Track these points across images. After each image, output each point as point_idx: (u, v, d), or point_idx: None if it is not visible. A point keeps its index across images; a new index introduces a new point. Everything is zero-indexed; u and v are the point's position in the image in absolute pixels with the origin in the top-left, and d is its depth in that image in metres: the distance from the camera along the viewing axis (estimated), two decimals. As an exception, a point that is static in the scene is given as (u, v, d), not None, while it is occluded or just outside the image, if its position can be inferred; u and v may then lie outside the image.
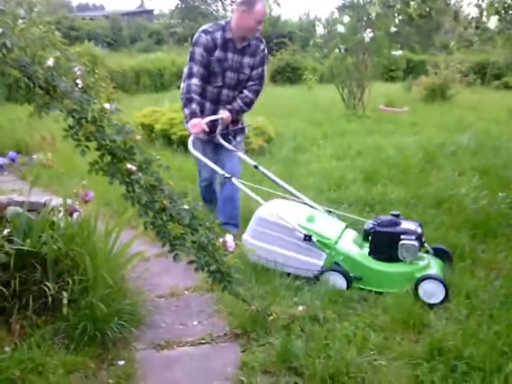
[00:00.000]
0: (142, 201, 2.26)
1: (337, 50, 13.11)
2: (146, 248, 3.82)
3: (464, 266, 3.81)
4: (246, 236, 3.84)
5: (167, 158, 6.61)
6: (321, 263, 3.62)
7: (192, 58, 4.20)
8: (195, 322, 3.25)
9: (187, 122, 4.22)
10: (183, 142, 7.58)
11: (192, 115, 4.14)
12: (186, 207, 2.38)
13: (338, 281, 3.53)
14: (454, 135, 8.67)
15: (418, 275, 3.48)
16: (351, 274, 3.54)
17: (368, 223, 3.79)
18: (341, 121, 10.93)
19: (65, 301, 2.85)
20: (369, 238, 3.69)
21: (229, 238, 2.60)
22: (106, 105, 2.16)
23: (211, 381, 2.68)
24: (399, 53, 19.78)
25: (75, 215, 3.24)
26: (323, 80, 20.72)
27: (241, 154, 4.49)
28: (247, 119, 8.11)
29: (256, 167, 4.27)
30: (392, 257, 3.60)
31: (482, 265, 3.89)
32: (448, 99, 14.04)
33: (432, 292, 3.40)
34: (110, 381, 2.63)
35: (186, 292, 3.64)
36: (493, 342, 2.81)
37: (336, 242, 3.69)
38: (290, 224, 3.69)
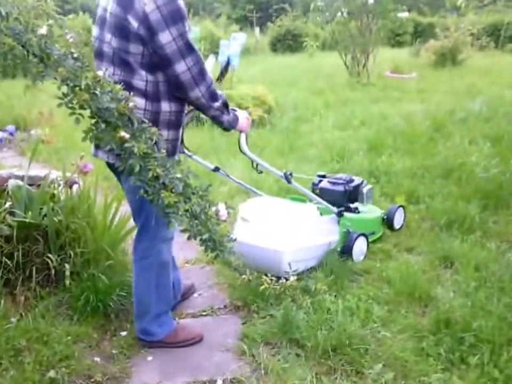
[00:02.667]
0: (136, 169, 2.33)
1: (339, 14, 13.05)
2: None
3: (474, 238, 3.88)
4: (286, 246, 3.33)
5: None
6: (337, 237, 3.72)
7: (190, 45, 2.50)
8: (195, 295, 3.38)
9: (234, 124, 2.86)
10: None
11: (232, 111, 2.87)
12: (179, 175, 2.45)
13: (363, 245, 3.76)
14: (465, 102, 8.68)
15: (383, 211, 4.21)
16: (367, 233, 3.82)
17: (334, 186, 3.99)
18: (344, 89, 10.93)
19: (67, 273, 3.03)
20: (345, 196, 3.94)
21: (221, 207, 2.68)
22: (100, 73, 2.21)
23: (212, 352, 2.80)
24: (405, 14, 19.67)
25: (74, 187, 3.39)
26: (325, 47, 20.69)
27: (198, 158, 3.34)
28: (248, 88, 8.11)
29: (216, 169, 3.43)
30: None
31: (493, 237, 3.96)
32: (459, 64, 13.99)
33: (399, 219, 4.23)
34: (113, 350, 2.79)
35: (186, 265, 3.76)
36: (502, 314, 2.87)
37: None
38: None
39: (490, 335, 2.70)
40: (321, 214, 3.64)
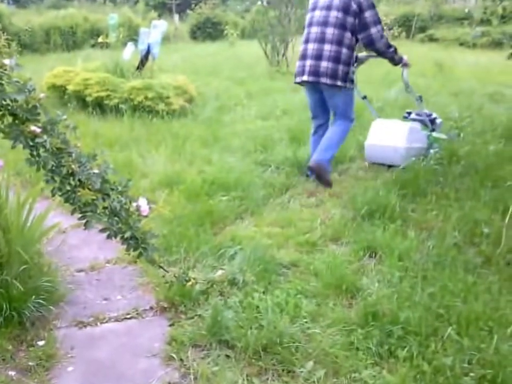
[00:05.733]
0: (48, 166, 2.13)
1: (259, 2, 12.94)
2: (62, 219, 3.68)
3: (395, 227, 3.87)
4: (402, 143, 5.18)
5: (82, 122, 6.40)
6: (425, 145, 5.44)
7: (379, 19, 4.73)
8: (119, 297, 3.18)
9: (401, 61, 5.04)
10: (98, 104, 7.33)
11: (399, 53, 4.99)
12: (96, 171, 2.28)
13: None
14: (381, 90, 8.78)
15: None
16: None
17: (422, 117, 5.58)
18: (265, 78, 10.86)
19: (-23, 280, 2.72)
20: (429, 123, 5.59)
21: (143, 202, 2.52)
22: (6, 61, 1.99)
23: (138, 358, 2.63)
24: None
25: (-17, 186, 3.05)
26: (245, 35, 20.57)
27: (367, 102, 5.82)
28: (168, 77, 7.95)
29: (364, 97, 5.61)
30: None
31: (413, 226, 3.96)
32: (374, 53, 14.15)
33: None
34: (30, 363, 2.56)
35: (107, 265, 3.54)
36: (427, 304, 2.88)
37: None
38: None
39: (417, 327, 2.69)
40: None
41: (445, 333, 2.66)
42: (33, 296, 2.81)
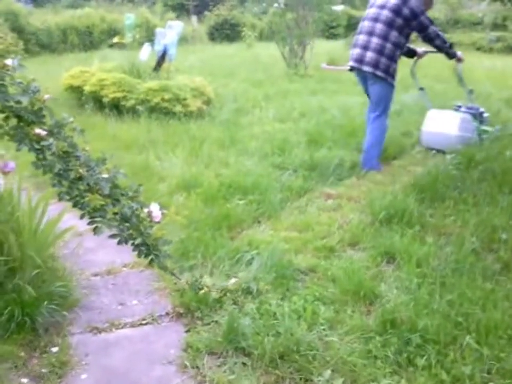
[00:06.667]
0: (55, 169, 2.09)
1: (276, 4, 12.90)
2: (78, 222, 3.63)
3: (413, 232, 3.82)
4: (454, 131, 5.86)
5: (99, 124, 6.39)
6: (474, 135, 5.99)
7: (431, 20, 5.29)
8: (135, 302, 3.14)
9: (455, 55, 5.63)
10: (115, 105, 7.31)
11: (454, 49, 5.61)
12: (105, 175, 2.24)
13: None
14: (399, 94, 8.68)
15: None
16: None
17: (472, 110, 6.15)
18: (283, 81, 10.81)
19: (-11, 285, 2.67)
20: (478, 116, 6.14)
21: (154, 208, 2.47)
22: (8, 61, 1.95)
23: (153, 365, 2.59)
24: (340, 8, 19.80)
25: (-5, 188, 3.02)
26: (263, 37, 20.53)
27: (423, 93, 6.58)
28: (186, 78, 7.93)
29: (421, 89, 6.43)
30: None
31: (431, 231, 3.91)
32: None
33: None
34: (43, 370, 2.51)
35: (124, 269, 3.51)
36: (446, 312, 2.83)
37: None
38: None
39: (435, 335, 2.65)
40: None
41: (463, 341, 2.62)
42: (47, 301, 2.77)
